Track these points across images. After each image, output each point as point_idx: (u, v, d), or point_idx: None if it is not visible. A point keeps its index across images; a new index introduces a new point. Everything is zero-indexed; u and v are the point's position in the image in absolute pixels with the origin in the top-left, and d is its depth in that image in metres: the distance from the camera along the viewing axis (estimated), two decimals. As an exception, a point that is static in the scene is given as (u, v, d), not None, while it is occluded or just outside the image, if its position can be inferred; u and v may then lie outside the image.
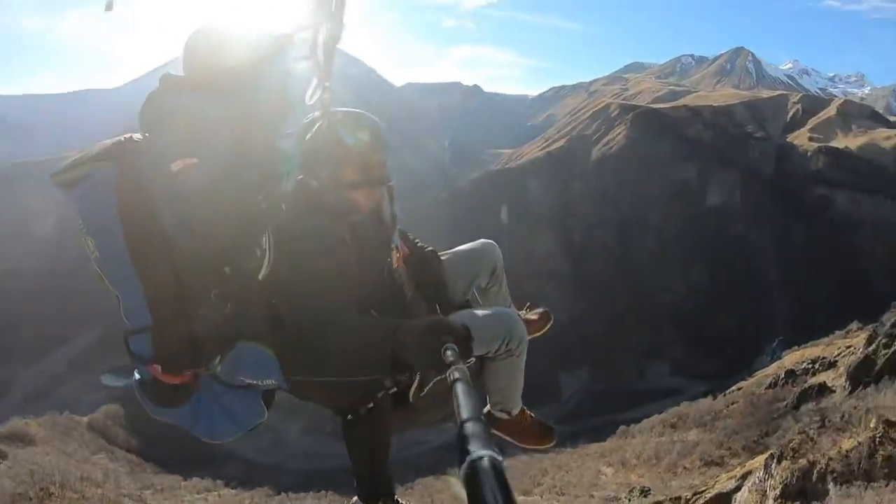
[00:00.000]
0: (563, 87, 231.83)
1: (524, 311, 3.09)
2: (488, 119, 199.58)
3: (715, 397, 40.29)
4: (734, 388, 39.46)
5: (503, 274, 2.90)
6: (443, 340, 1.47)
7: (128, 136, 2.02)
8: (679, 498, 19.22)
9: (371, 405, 2.33)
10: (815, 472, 7.30)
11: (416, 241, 2.75)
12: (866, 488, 6.14)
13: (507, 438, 2.83)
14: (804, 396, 25.28)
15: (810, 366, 33.76)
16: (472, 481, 0.73)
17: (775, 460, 8.51)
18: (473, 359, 2.32)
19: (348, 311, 1.92)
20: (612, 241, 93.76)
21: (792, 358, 38.94)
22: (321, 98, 2.09)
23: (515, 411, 2.74)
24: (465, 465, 0.77)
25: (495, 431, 2.78)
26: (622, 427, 49.80)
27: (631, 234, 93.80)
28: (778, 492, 8.41)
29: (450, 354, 1.40)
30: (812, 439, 9.10)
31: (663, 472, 32.52)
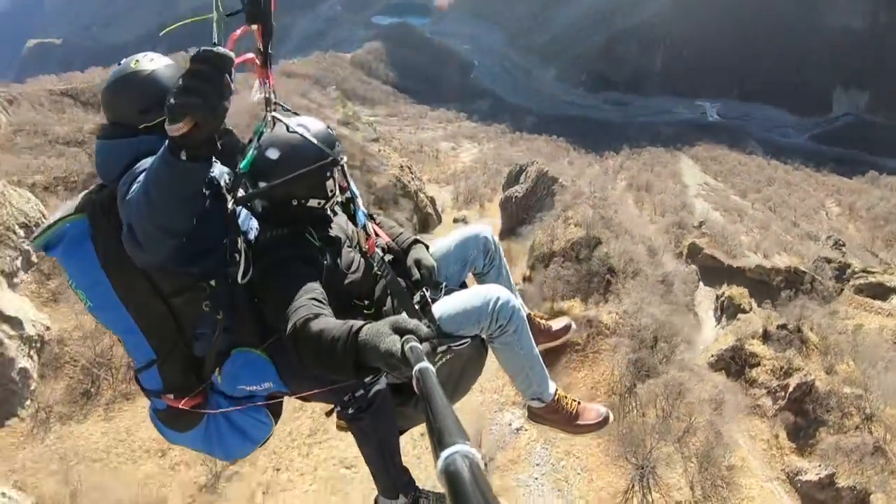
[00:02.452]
0: None
1: (541, 319, 3.08)
2: None
3: None
4: None
5: (500, 257, 2.85)
6: (405, 340, 1.42)
7: (93, 187, 2.19)
8: (848, 266, 20.66)
9: (370, 399, 2.36)
10: None
11: (397, 229, 2.80)
12: None
13: (556, 429, 2.76)
14: None
15: None
16: (448, 480, 0.77)
17: None
18: (465, 343, 2.39)
19: (318, 316, 1.85)
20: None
21: None
22: (265, 96, 2.16)
23: (547, 396, 2.63)
24: (439, 463, 0.80)
25: (540, 425, 2.77)
26: (872, 172, 46.33)
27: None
28: None
29: (412, 353, 1.35)
30: None
31: (879, 232, 32.19)
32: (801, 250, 28.05)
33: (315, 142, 2.25)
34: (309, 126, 2.30)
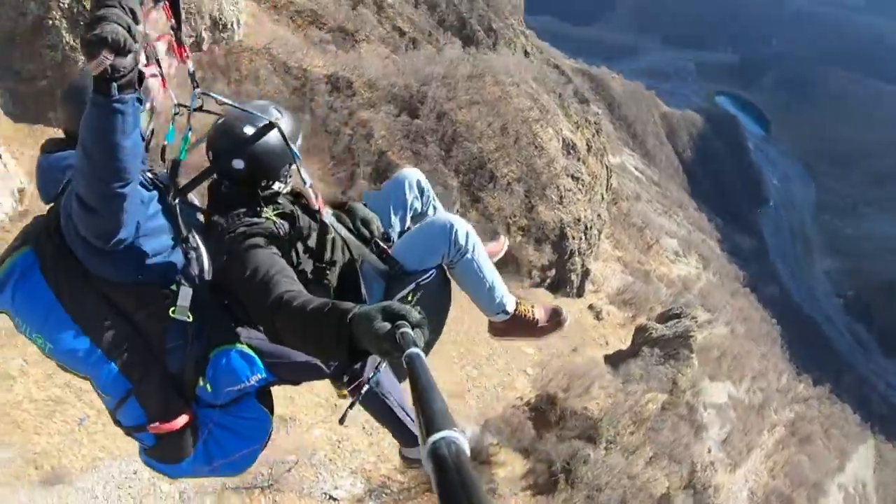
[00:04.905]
0: None
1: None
2: None
3: None
4: None
5: (432, 192, 2.93)
6: (396, 325, 1.42)
7: (35, 217, 2.03)
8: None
9: (361, 376, 2.38)
10: None
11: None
12: None
13: (521, 340, 2.81)
14: None
15: None
16: (433, 464, 0.79)
17: None
18: (431, 276, 2.50)
19: (294, 293, 1.86)
20: None
21: None
22: (189, 73, 2.11)
23: (512, 304, 2.73)
24: (425, 449, 0.82)
25: (507, 340, 2.90)
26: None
27: None
28: None
29: (403, 338, 1.35)
30: None
31: None
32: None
33: (280, 123, 2.21)
34: (270, 108, 2.29)
